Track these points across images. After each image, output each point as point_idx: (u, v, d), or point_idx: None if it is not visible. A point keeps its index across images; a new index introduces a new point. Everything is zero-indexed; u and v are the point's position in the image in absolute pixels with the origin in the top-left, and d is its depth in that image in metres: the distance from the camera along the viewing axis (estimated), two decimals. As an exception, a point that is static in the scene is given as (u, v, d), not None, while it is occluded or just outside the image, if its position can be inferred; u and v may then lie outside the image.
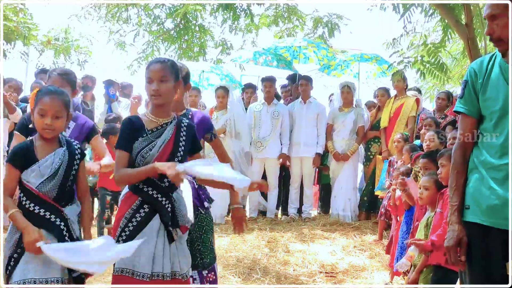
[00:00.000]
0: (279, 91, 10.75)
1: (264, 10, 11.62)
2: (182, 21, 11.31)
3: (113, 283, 3.60)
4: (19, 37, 11.89)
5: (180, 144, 3.76)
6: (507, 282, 3.03)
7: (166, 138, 3.69)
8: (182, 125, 3.81)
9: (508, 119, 2.92)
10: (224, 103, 9.32)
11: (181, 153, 3.75)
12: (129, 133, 3.68)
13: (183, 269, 3.68)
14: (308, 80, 9.82)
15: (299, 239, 8.11)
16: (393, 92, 9.37)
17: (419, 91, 10.92)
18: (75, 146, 3.80)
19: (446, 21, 8.24)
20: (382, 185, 7.89)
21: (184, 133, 3.79)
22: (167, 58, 4.05)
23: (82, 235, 3.88)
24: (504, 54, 2.99)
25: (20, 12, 11.93)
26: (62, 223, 3.60)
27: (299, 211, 9.61)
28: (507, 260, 2.96)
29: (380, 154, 9.00)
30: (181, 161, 3.70)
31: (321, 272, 6.85)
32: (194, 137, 3.90)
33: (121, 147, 3.69)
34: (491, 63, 3.06)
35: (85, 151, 4.24)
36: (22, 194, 3.63)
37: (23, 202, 3.60)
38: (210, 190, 8.72)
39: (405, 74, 9.03)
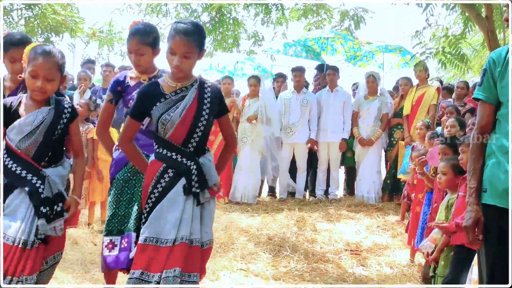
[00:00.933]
0: (310, 80, 10.75)
1: (294, 4, 11.59)
2: (217, 15, 11.35)
3: (137, 252, 3.40)
4: (66, 30, 12.01)
5: (204, 107, 3.49)
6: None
7: (188, 102, 3.44)
8: (206, 85, 3.56)
9: None
10: (256, 91, 9.35)
11: (206, 116, 3.48)
12: (142, 101, 3.48)
13: (205, 234, 3.50)
14: (335, 70, 9.85)
15: (325, 219, 8.14)
16: (415, 82, 9.34)
17: (441, 82, 10.84)
18: (65, 106, 3.61)
19: (467, 14, 8.16)
20: (404, 169, 7.88)
21: (209, 94, 3.52)
22: (194, 23, 3.58)
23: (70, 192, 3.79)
24: None
25: (68, 6, 12.07)
26: (39, 181, 3.43)
27: (326, 192, 9.63)
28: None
29: (403, 140, 8.97)
30: (206, 125, 3.48)
31: (346, 250, 6.88)
32: (220, 99, 3.63)
33: (131, 115, 3.54)
34: (508, 54, 3.03)
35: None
36: (5, 151, 3.48)
37: (5, 161, 3.45)
38: (243, 173, 8.80)
39: (427, 65, 9.00)
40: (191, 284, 3.40)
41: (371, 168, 9.24)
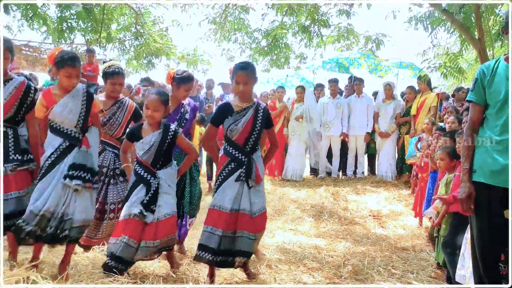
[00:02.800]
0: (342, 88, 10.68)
1: (330, 32, 11.52)
2: (273, 41, 11.37)
3: (208, 216, 3.73)
4: (163, 54, 12.24)
5: (257, 122, 3.78)
6: (505, 227, 2.99)
7: (247, 118, 3.74)
8: (259, 108, 3.83)
9: (507, 106, 2.88)
10: (301, 97, 9.41)
11: (258, 128, 3.78)
12: (220, 114, 3.78)
13: (255, 206, 3.74)
14: (360, 81, 9.83)
15: (354, 192, 8.11)
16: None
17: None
18: (171, 129, 3.80)
19: (463, 36, 7.93)
20: (410, 154, 7.86)
21: (261, 113, 3.82)
22: (249, 62, 4.05)
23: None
24: (507, 58, 2.97)
25: (164, 37, 12.30)
26: (153, 179, 3.69)
27: (354, 172, 9.55)
28: (505, 208, 2.94)
29: (407, 133, 8.88)
30: (257, 134, 3.78)
31: (369, 215, 6.84)
32: (268, 117, 3.89)
33: (212, 123, 3.82)
34: (495, 65, 3.02)
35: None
36: (136, 161, 3.82)
37: (135, 166, 3.78)
38: (292, 158, 8.69)
39: (432, 76, 8.86)
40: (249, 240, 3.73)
41: (388, 154, 9.15)
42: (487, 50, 7.48)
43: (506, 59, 2.98)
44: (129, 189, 3.77)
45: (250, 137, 3.76)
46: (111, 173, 4.38)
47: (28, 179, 3.78)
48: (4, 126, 3.69)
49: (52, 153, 3.58)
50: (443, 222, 4.25)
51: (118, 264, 3.54)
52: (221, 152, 3.85)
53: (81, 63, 3.98)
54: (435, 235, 4.58)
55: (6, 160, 3.63)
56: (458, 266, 3.76)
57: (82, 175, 3.59)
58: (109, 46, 11.78)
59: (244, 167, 3.71)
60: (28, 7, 9.79)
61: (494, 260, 3.01)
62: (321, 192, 8.01)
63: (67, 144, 3.62)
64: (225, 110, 3.78)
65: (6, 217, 3.56)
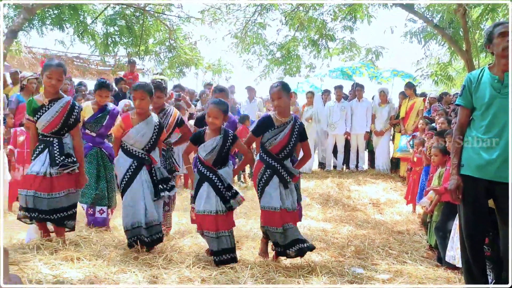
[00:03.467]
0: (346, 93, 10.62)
1: (335, 45, 11.45)
2: (286, 52, 11.34)
3: (261, 216, 3.72)
4: (192, 64, 12.29)
5: (293, 136, 3.71)
6: (489, 214, 2.97)
7: (286, 132, 3.68)
8: (296, 124, 3.76)
9: (491, 109, 2.86)
10: (311, 101, 9.42)
11: (293, 142, 3.71)
12: (262, 126, 3.72)
13: (293, 203, 3.72)
14: (361, 87, 9.74)
15: (356, 183, 8.08)
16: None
17: (425, 94, 10.45)
18: (229, 134, 3.74)
19: (453, 48, 7.83)
20: (401, 149, 7.91)
21: (297, 128, 3.75)
22: (281, 81, 3.94)
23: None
24: (491, 67, 2.96)
25: (193, 49, 12.35)
26: (215, 177, 3.62)
27: (356, 166, 9.49)
28: (489, 198, 2.91)
29: (399, 132, 8.78)
30: (292, 147, 3.73)
31: (369, 203, 6.82)
32: (303, 131, 3.80)
33: (254, 133, 3.78)
34: (481, 74, 3.00)
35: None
36: (199, 161, 3.73)
37: (199, 166, 3.72)
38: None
39: (415, 85, 8.82)
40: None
41: (384, 151, 9.11)
42: (474, 60, 7.38)
43: (490, 69, 2.97)
44: (195, 189, 3.72)
45: (285, 148, 3.71)
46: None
47: (70, 182, 3.74)
48: (50, 137, 3.70)
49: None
50: (436, 209, 4.23)
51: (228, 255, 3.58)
52: (257, 158, 3.81)
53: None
54: (427, 220, 4.55)
55: (54, 163, 3.62)
56: (448, 248, 3.73)
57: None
58: (146, 58, 11.86)
59: (278, 173, 3.67)
60: (79, 24, 9.94)
61: (479, 243, 2.99)
62: (327, 183, 8.00)
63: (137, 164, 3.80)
64: (266, 123, 3.73)
65: (46, 212, 3.59)
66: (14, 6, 9.11)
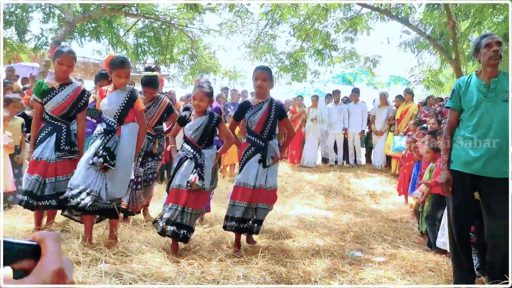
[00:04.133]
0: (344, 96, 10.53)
1: (338, 54, 11.38)
2: (293, 60, 11.30)
3: (233, 192, 3.52)
4: (211, 71, 12.34)
5: (271, 114, 3.56)
6: (474, 205, 2.93)
7: (263, 110, 3.55)
8: (273, 102, 3.61)
9: (478, 111, 2.82)
10: (315, 104, 9.30)
11: (272, 118, 3.56)
12: (240, 109, 3.64)
13: (268, 182, 3.52)
14: (357, 91, 9.52)
15: (355, 176, 8.01)
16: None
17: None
18: (214, 116, 3.50)
19: (443, 57, 7.73)
20: (396, 149, 7.67)
21: (274, 107, 3.61)
22: (266, 66, 3.78)
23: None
24: (478, 74, 2.93)
25: (212, 58, 12.38)
26: (198, 155, 3.36)
27: (355, 161, 9.40)
28: (474, 191, 2.88)
29: (392, 132, 8.60)
30: (272, 124, 3.56)
31: (367, 194, 6.76)
32: (281, 110, 3.64)
33: (234, 117, 3.72)
34: (469, 80, 2.96)
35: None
36: (183, 138, 3.50)
37: (182, 143, 3.50)
38: (308, 149, 8.55)
39: (412, 90, 8.66)
40: (264, 210, 3.54)
41: (381, 148, 8.96)
42: (462, 68, 7.28)
43: (477, 75, 2.94)
44: (176, 165, 3.42)
45: (265, 126, 3.57)
46: (143, 153, 4.15)
47: (71, 168, 3.47)
48: (58, 121, 3.50)
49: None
50: (426, 200, 4.18)
51: (179, 229, 3.24)
52: (244, 140, 3.67)
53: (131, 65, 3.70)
54: (419, 210, 4.49)
55: (58, 149, 3.44)
56: (438, 235, 3.69)
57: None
58: (172, 65, 11.93)
59: (260, 150, 3.52)
60: (113, 36, 10.03)
61: (466, 230, 2.96)
62: (329, 176, 7.94)
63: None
64: (245, 106, 3.64)
65: (45, 197, 3.38)
66: (57, 20, 9.22)
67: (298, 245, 3.72)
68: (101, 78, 4.52)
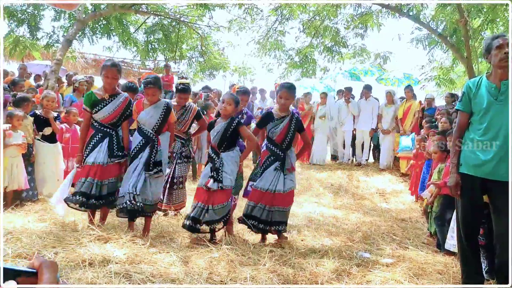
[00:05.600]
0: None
1: (348, 50, 11.30)
2: (303, 57, 11.26)
3: (251, 193, 3.82)
4: (220, 68, 12.37)
5: (291, 128, 3.81)
6: (483, 208, 2.91)
7: (284, 124, 3.78)
8: (294, 117, 3.85)
9: (488, 114, 2.79)
10: (324, 101, 9.23)
11: (291, 132, 3.80)
12: (264, 120, 3.86)
13: (286, 185, 3.75)
14: (368, 88, 9.28)
15: (364, 174, 7.97)
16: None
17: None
18: (234, 120, 3.72)
19: (454, 54, 7.63)
20: (401, 148, 7.58)
21: (294, 121, 3.84)
22: (292, 84, 4.03)
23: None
24: (489, 76, 2.89)
25: (221, 55, 12.39)
26: (216, 158, 3.64)
27: (367, 159, 9.30)
28: (484, 194, 2.85)
29: (398, 132, 8.49)
30: (292, 136, 3.81)
31: (376, 193, 6.73)
32: (300, 124, 3.90)
33: (258, 125, 3.93)
34: (479, 82, 2.93)
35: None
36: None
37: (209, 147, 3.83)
38: (317, 147, 8.56)
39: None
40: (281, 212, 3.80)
41: (388, 148, 8.83)
42: (474, 66, 7.17)
43: (488, 77, 2.90)
44: (205, 168, 3.81)
45: (285, 138, 3.81)
46: (178, 156, 4.52)
47: (120, 170, 3.82)
48: (108, 128, 3.78)
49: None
50: (435, 201, 4.15)
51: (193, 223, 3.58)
52: (263, 148, 3.89)
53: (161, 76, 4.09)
54: (428, 211, 4.47)
55: (112, 155, 3.71)
56: (448, 237, 3.67)
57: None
58: (181, 62, 11.98)
59: (279, 159, 3.77)
60: (124, 33, 10.09)
61: (475, 233, 2.94)
62: (338, 174, 7.92)
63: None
64: (269, 117, 3.85)
65: (102, 197, 3.67)
66: (69, 18, 9.31)
67: (306, 244, 3.73)
68: (127, 90, 4.67)
